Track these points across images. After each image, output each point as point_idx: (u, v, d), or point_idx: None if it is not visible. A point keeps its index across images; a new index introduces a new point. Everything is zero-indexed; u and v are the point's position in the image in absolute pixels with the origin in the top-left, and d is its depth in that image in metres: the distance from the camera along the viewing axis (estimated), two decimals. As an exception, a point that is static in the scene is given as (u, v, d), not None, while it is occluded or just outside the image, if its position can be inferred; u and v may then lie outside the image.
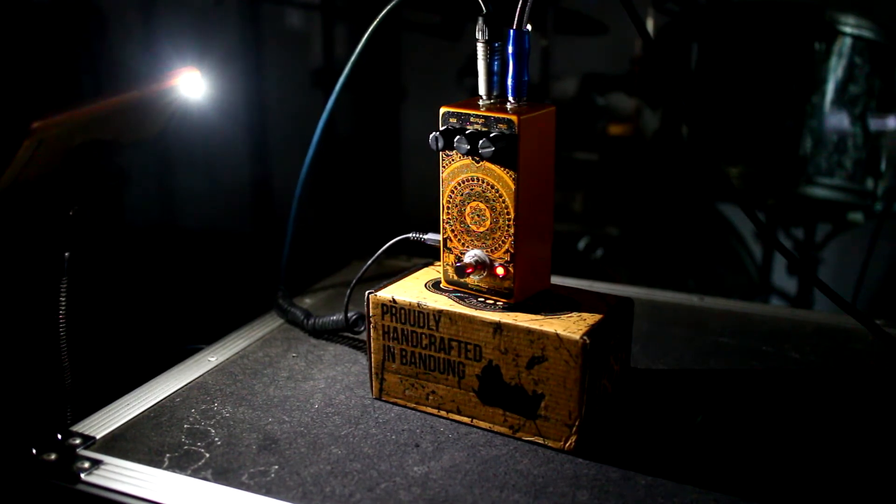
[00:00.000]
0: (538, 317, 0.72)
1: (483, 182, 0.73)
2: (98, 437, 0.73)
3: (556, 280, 0.81)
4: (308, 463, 0.69)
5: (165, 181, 2.13)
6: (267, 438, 0.73)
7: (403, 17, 2.32)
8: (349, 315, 0.90)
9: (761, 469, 0.69)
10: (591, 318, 0.72)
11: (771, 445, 0.73)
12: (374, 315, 0.78)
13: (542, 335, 0.70)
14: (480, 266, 0.75)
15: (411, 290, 0.78)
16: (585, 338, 0.68)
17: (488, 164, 0.72)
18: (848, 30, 1.55)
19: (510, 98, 0.74)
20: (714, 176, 1.70)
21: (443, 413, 0.77)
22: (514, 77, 0.73)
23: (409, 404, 0.79)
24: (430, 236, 0.82)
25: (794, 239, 1.89)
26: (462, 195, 0.75)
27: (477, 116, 0.72)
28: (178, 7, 2.07)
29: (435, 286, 0.79)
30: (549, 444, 0.72)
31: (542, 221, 0.76)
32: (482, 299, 0.76)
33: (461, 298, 0.76)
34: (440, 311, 0.74)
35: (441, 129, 0.74)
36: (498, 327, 0.72)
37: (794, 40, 1.57)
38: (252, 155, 2.24)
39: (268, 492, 0.65)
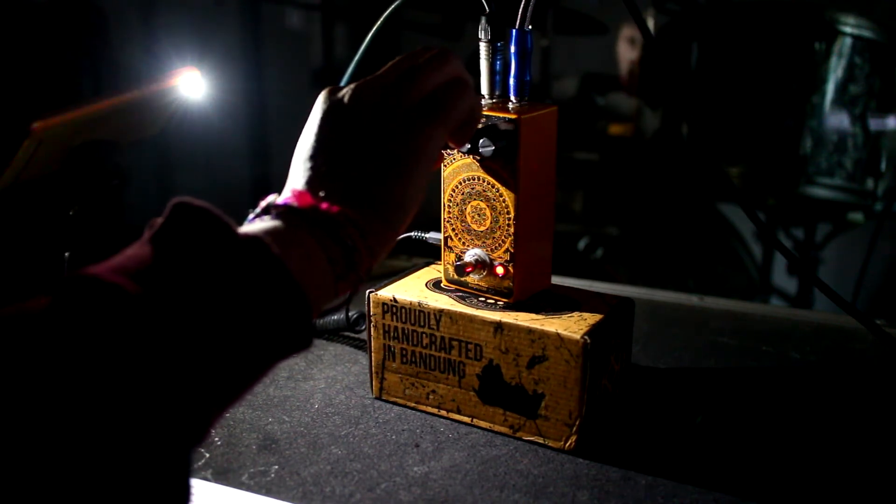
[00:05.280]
0: (539, 316, 0.72)
1: (484, 181, 0.73)
2: (98, 436, 0.73)
3: (556, 280, 0.81)
4: (308, 463, 0.69)
5: (165, 181, 2.13)
6: (267, 438, 0.73)
7: (403, 17, 2.32)
8: (350, 314, 0.90)
9: (761, 469, 0.69)
10: (591, 318, 0.72)
11: (771, 445, 0.73)
12: (374, 314, 0.78)
13: (543, 335, 0.70)
14: (480, 265, 0.75)
15: (412, 289, 0.78)
16: (586, 337, 0.68)
17: (489, 163, 0.72)
18: (848, 30, 1.55)
19: (512, 98, 0.74)
20: (714, 176, 1.70)
21: (443, 413, 0.77)
22: (515, 77, 0.73)
23: (409, 404, 0.79)
24: (431, 235, 0.82)
25: (794, 239, 1.89)
26: (463, 194, 0.75)
27: (477, 116, 0.71)
28: (178, 7, 2.07)
29: (436, 285, 0.79)
30: (550, 444, 0.72)
31: (543, 221, 0.76)
32: (483, 299, 0.76)
33: (462, 298, 0.76)
34: (441, 311, 0.75)
35: (441, 128, 0.74)
36: (498, 327, 0.72)
37: (794, 40, 1.57)
38: (252, 155, 2.24)
39: (268, 492, 0.65)
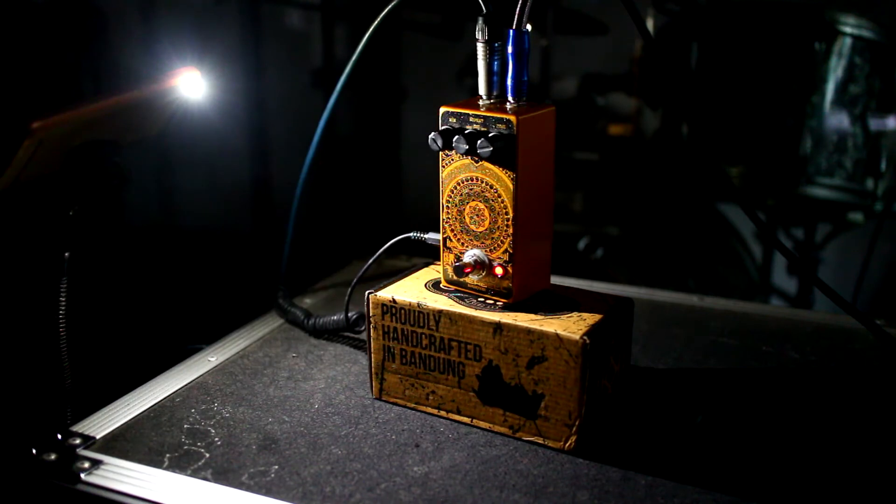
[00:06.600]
0: (538, 317, 0.72)
1: (482, 182, 0.73)
2: (98, 437, 0.73)
3: (556, 280, 0.81)
4: (308, 463, 0.69)
5: (165, 181, 2.12)
6: (267, 438, 0.73)
7: (403, 17, 2.32)
8: (349, 315, 0.90)
9: (761, 469, 0.69)
10: (591, 318, 0.72)
11: (771, 445, 0.73)
12: (374, 315, 0.78)
13: (542, 335, 0.70)
14: (479, 266, 0.75)
15: (411, 290, 0.78)
16: (585, 338, 0.68)
17: (487, 164, 0.72)
18: (848, 30, 1.55)
19: (510, 98, 0.74)
20: (714, 176, 1.70)
21: (443, 413, 0.77)
22: (513, 77, 0.73)
23: (409, 404, 0.79)
24: (430, 236, 0.82)
25: (794, 239, 1.89)
26: (461, 195, 0.75)
27: (476, 116, 0.72)
28: (178, 7, 2.07)
29: (435, 286, 0.79)
30: (549, 444, 0.72)
31: (542, 221, 0.76)
32: (482, 299, 0.76)
33: (461, 298, 0.76)
34: (440, 311, 0.75)
35: (441, 128, 0.74)
36: (498, 327, 0.72)
37: (794, 40, 1.57)
38: (252, 155, 2.23)
39: (268, 492, 0.65)
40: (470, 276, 0.75)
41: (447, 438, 0.73)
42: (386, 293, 0.78)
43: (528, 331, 0.70)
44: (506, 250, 0.74)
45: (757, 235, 1.98)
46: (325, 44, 2.23)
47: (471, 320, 0.73)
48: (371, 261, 0.87)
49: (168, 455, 0.70)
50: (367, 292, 0.78)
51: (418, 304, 0.76)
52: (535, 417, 0.72)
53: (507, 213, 0.72)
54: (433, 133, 0.74)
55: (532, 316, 0.72)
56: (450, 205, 0.76)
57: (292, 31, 2.44)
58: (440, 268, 0.79)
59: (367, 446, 0.72)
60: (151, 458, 0.70)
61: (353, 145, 2.45)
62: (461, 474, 0.68)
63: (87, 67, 1.52)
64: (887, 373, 0.87)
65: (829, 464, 0.70)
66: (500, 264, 0.74)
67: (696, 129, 1.62)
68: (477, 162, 0.73)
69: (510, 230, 0.73)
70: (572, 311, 0.74)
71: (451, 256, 0.77)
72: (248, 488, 0.66)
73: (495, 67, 0.74)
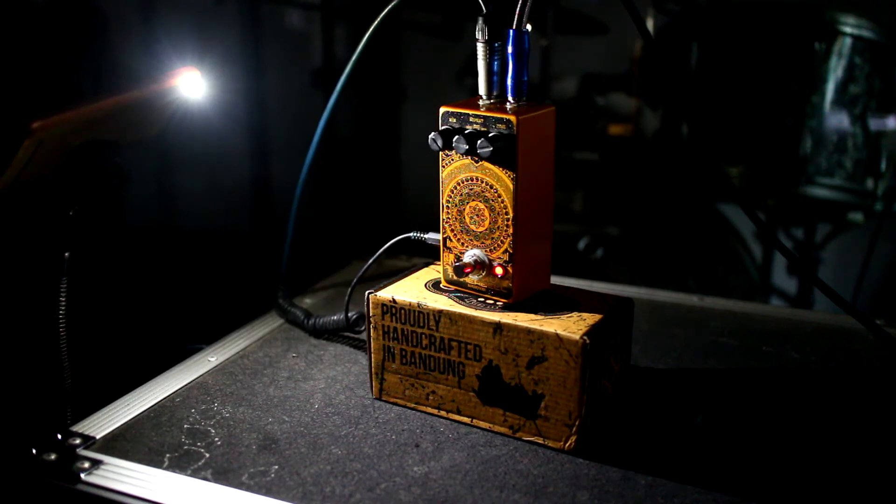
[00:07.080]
0: (538, 317, 0.72)
1: (482, 182, 0.73)
2: (98, 437, 0.73)
3: (556, 280, 0.81)
4: (308, 463, 0.69)
5: (165, 181, 2.12)
6: (267, 438, 0.73)
7: (403, 17, 2.32)
8: (349, 315, 0.90)
9: (761, 469, 0.69)
10: (591, 318, 0.72)
11: (771, 445, 0.73)
12: (374, 315, 0.78)
13: (542, 335, 0.70)
14: (479, 266, 0.75)
15: (411, 290, 0.78)
16: (585, 338, 0.68)
17: (487, 164, 0.72)
18: (848, 30, 1.55)
19: (510, 98, 0.74)
20: (714, 176, 1.70)
21: (443, 413, 0.77)
22: (513, 77, 0.73)
23: (409, 404, 0.79)
24: (430, 236, 0.82)
25: (794, 239, 1.89)
26: (461, 195, 0.75)
27: (476, 116, 0.72)
28: (178, 7, 2.07)
29: (435, 286, 0.79)
30: (549, 444, 0.72)
31: (542, 221, 0.76)
32: (482, 299, 0.76)
33: (461, 298, 0.76)
34: (440, 311, 0.75)
35: (441, 128, 0.74)
36: (498, 327, 0.72)
37: (794, 40, 1.57)
38: (252, 155, 2.23)
39: (268, 492, 0.65)
40: (470, 276, 0.75)
41: (447, 438, 0.73)
42: (386, 293, 0.78)
43: (528, 331, 0.70)
44: (506, 250, 0.74)
45: (757, 235, 1.98)
46: (325, 44, 2.23)
47: (471, 320, 0.73)
48: (371, 261, 0.87)
49: (168, 455, 0.70)
50: (367, 292, 0.78)
51: (418, 304, 0.76)
52: (535, 417, 0.72)
53: (507, 213, 0.72)
54: (433, 133, 0.74)
55: (532, 316, 0.72)
56: (450, 205, 0.76)
57: (292, 31, 2.44)
58: (440, 268, 0.79)
59: (367, 446, 0.72)
60: (151, 458, 0.70)
61: (353, 145, 2.45)
62: (461, 474, 0.68)
63: (87, 67, 1.52)
64: (887, 373, 0.87)
65: (829, 464, 0.70)
66: (500, 264, 0.74)
67: (696, 129, 1.62)
68: (477, 162, 0.73)
69: (510, 230, 0.73)
70: (572, 311, 0.74)
71: (451, 256, 0.77)
72: (248, 488, 0.66)
73: (495, 67, 0.74)
